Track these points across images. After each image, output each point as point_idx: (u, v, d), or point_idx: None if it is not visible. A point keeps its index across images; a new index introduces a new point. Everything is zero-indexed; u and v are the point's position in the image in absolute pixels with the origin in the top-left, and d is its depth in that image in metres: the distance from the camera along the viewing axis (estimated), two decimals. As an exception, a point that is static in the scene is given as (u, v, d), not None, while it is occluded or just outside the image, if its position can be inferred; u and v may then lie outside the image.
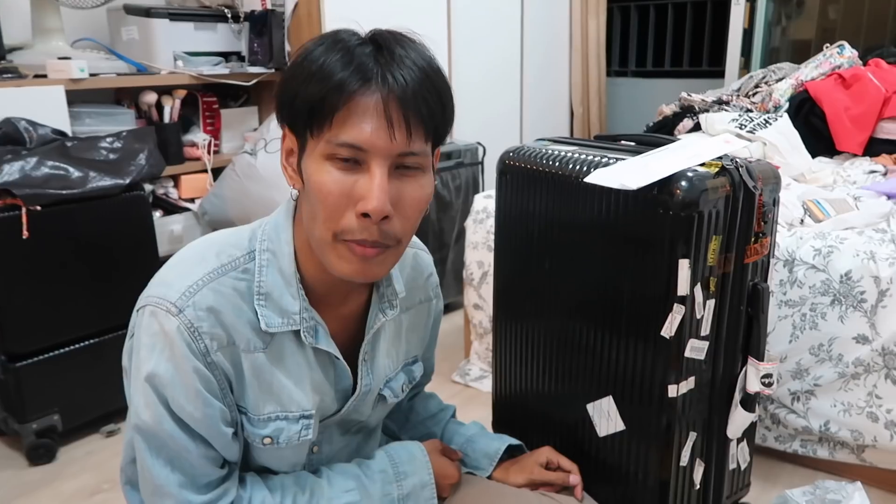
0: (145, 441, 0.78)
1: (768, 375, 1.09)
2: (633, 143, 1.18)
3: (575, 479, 1.09)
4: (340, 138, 0.70)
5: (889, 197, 1.62)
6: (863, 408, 1.32)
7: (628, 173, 1.03)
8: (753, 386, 1.09)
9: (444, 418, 1.14)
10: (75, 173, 1.58)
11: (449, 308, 2.46)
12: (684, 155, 1.07)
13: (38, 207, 1.52)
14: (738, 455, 1.16)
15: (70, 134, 1.75)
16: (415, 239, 1.00)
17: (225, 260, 0.79)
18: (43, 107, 1.72)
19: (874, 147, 2.19)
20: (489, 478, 1.09)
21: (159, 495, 0.79)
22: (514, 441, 1.13)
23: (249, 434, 0.82)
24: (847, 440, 1.34)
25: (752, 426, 1.16)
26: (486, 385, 1.84)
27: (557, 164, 1.16)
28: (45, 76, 1.83)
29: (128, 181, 1.65)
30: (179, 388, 0.75)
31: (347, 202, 0.72)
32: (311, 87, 0.70)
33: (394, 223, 0.74)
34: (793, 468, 1.46)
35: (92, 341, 1.68)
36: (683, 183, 0.99)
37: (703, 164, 1.04)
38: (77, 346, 1.66)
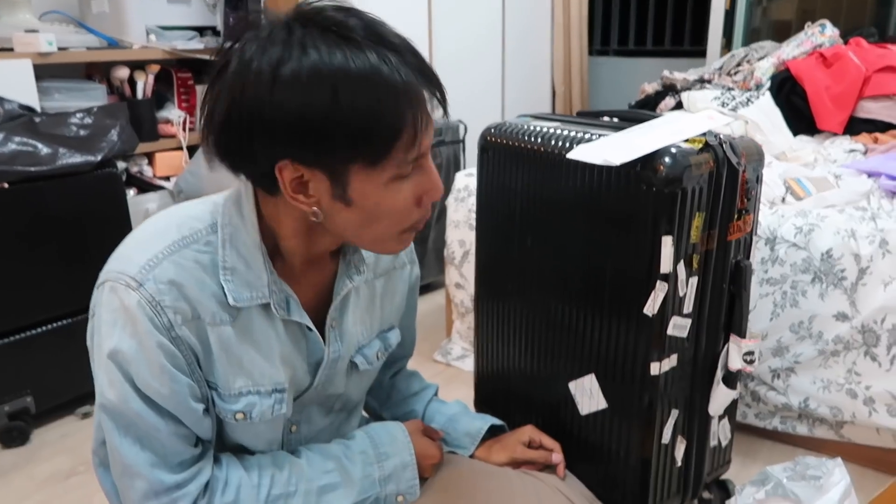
0: (112, 420, 0.76)
1: (750, 353, 1.08)
2: (616, 120, 1.17)
3: (557, 457, 1.09)
4: (415, 153, 0.70)
5: (870, 175, 1.63)
6: (842, 385, 1.32)
7: (611, 149, 1.01)
8: (735, 363, 1.09)
9: (426, 396, 1.13)
10: (44, 150, 1.53)
11: (430, 287, 2.45)
12: (668, 131, 1.06)
13: (6, 185, 1.48)
14: (720, 432, 1.16)
15: (38, 109, 1.70)
16: None
17: (186, 232, 0.76)
18: (9, 81, 1.66)
19: (854, 126, 2.20)
20: (471, 457, 1.08)
21: (129, 476, 0.77)
22: (497, 421, 1.12)
23: (221, 410, 0.80)
24: (826, 416, 1.35)
25: (734, 403, 1.16)
26: (468, 364, 1.84)
27: (540, 140, 1.14)
28: (11, 49, 1.76)
29: (99, 158, 1.60)
30: (144, 365, 0.73)
31: (414, 203, 0.74)
32: (393, 111, 0.66)
33: None
34: (772, 444, 1.47)
35: (65, 322, 1.65)
36: (667, 159, 0.98)
37: (686, 141, 1.02)
38: (49, 326, 1.62)
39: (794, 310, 1.35)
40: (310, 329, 0.83)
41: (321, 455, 0.88)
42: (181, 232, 0.76)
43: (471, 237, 1.77)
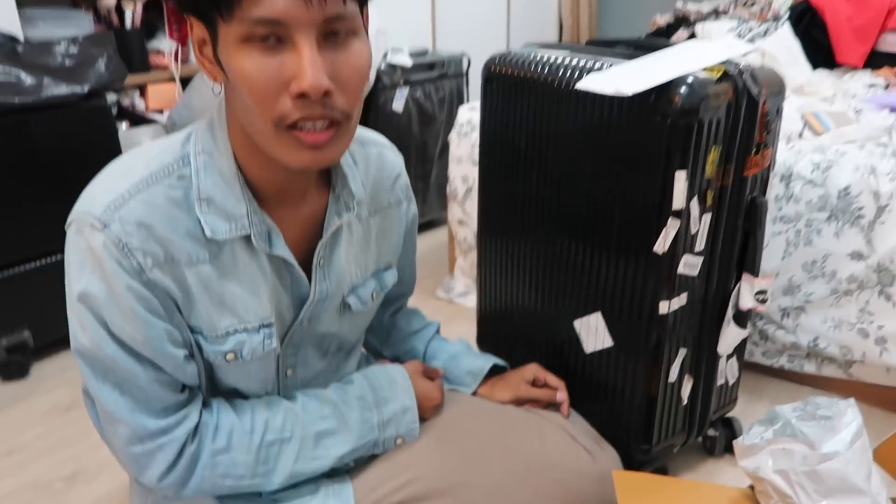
0: (89, 366, 0.73)
1: (763, 292, 1.05)
2: (629, 48, 1.10)
3: (561, 395, 1.07)
4: (254, 14, 0.60)
5: (891, 110, 1.56)
6: (853, 324, 1.30)
7: (624, 79, 0.96)
8: (747, 302, 1.06)
9: (427, 335, 1.10)
10: (28, 80, 1.46)
11: (433, 224, 2.42)
12: (684, 59, 1.00)
13: (-9, 115, 1.42)
14: (727, 371, 1.14)
15: (21, 38, 1.62)
16: (380, 137, 0.93)
17: (155, 167, 0.72)
18: (-10, 8, 1.59)
19: (876, 60, 2.11)
20: (473, 394, 1.07)
21: (111, 421, 0.75)
22: (500, 361, 1.10)
23: (209, 353, 0.77)
24: (835, 356, 1.33)
25: (743, 342, 1.14)
26: (471, 301, 1.82)
27: (547, 70, 1.09)
28: (-10, -27, 1.67)
29: (86, 89, 1.53)
30: (115, 308, 0.70)
31: (279, 86, 0.63)
32: None
33: (336, 98, 0.65)
34: (779, 382, 1.46)
35: (58, 257, 1.62)
36: (683, 89, 0.93)
37: (704, 70, 0.97)
38: (43, 261, 1.60)
39: (807, 248, 1.31)
40: (292, 265, 0.79)
41: (317, 400, 0.86)
42: (150, 168, 0.72)
43: (474, 173, 1.72)
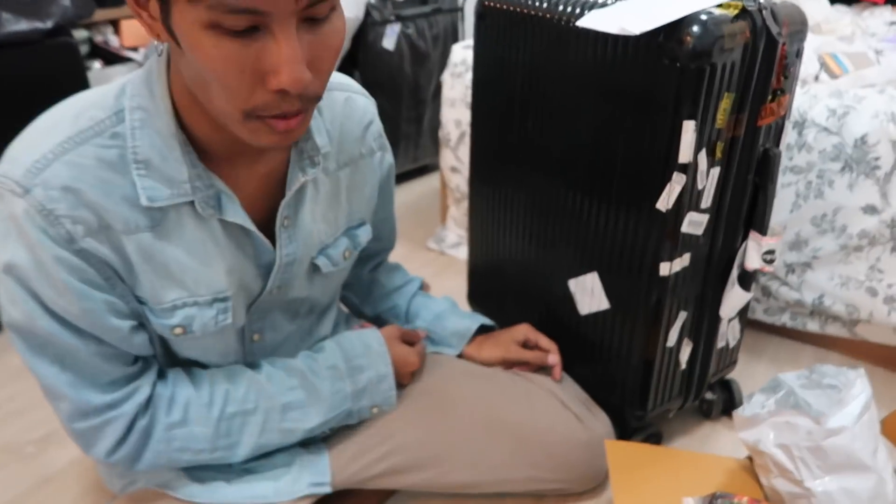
0: (23, 340, 0.67)
1: (770, 251, 0.99)
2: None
3: (553, 358, 1.03)
4: (229, 3, 0.51)
5: (914, 50, 1.46)
6: (862, 282, 1.24)
7: (630, 16, 0.88)
8: (753, 262, 0.99)
9: (409, 291, 1.04)
10: (-14, 14, 1.36)
11: (426, 170, 2.33)
12: (697, -6, 0.90)
13: (-53, 54, 1.32)
14: (729, 333, 1.09)
15: (-22, -33, 1.50)
16: (349, 80, 0.84)
17: (84, 124, 0.64)
18: (-59, -68, 1.46)
19: (897, -6, 1.98)
20: (459, 356, 1.01)
21: (53, 398, 0.70)
22: (488, 321, 1.04)
23: (157, 326, 0.70)
24: (841, 314, 1.28)
25: (747, 303, 1.08)
26: (463, 252, 1.76)
27: (545, 5, 1.00)
28: None
29: (50, 25, 1.43)
30: (45, 281, 0.63)
31: (253, 78, 0.56)
32: None
33: (314, 83, 0.58)
34: (779, 340, 1.41)
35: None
36: (695, 28, 0.84)
37: (719, 6, 0.87)
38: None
39: (818, 201, 1.24)
40: (249, 230, 0.72)
41: (284, 371, 0.80)
42: (78, 125, 0.63)
43: (468, 117, 1.63)
